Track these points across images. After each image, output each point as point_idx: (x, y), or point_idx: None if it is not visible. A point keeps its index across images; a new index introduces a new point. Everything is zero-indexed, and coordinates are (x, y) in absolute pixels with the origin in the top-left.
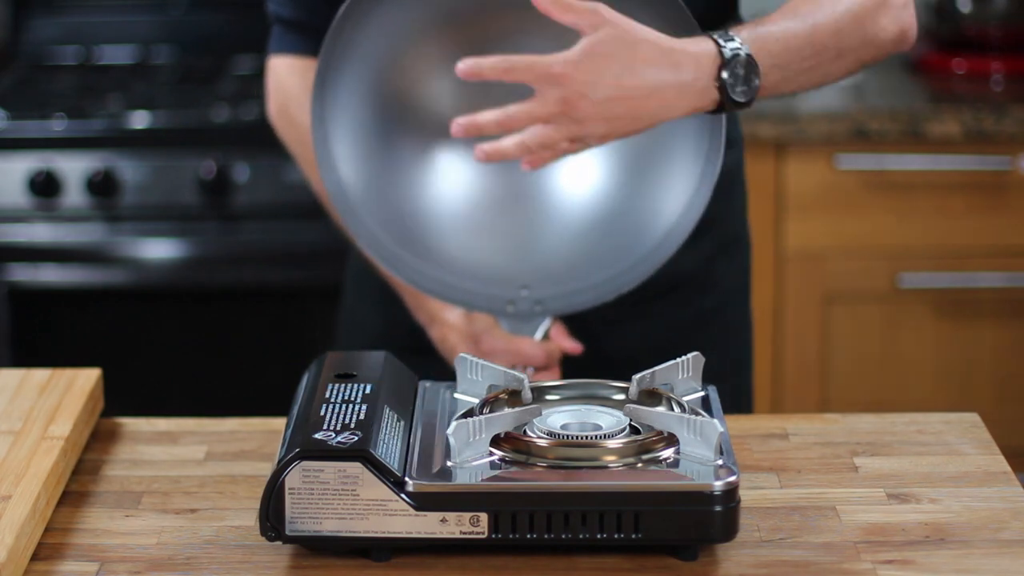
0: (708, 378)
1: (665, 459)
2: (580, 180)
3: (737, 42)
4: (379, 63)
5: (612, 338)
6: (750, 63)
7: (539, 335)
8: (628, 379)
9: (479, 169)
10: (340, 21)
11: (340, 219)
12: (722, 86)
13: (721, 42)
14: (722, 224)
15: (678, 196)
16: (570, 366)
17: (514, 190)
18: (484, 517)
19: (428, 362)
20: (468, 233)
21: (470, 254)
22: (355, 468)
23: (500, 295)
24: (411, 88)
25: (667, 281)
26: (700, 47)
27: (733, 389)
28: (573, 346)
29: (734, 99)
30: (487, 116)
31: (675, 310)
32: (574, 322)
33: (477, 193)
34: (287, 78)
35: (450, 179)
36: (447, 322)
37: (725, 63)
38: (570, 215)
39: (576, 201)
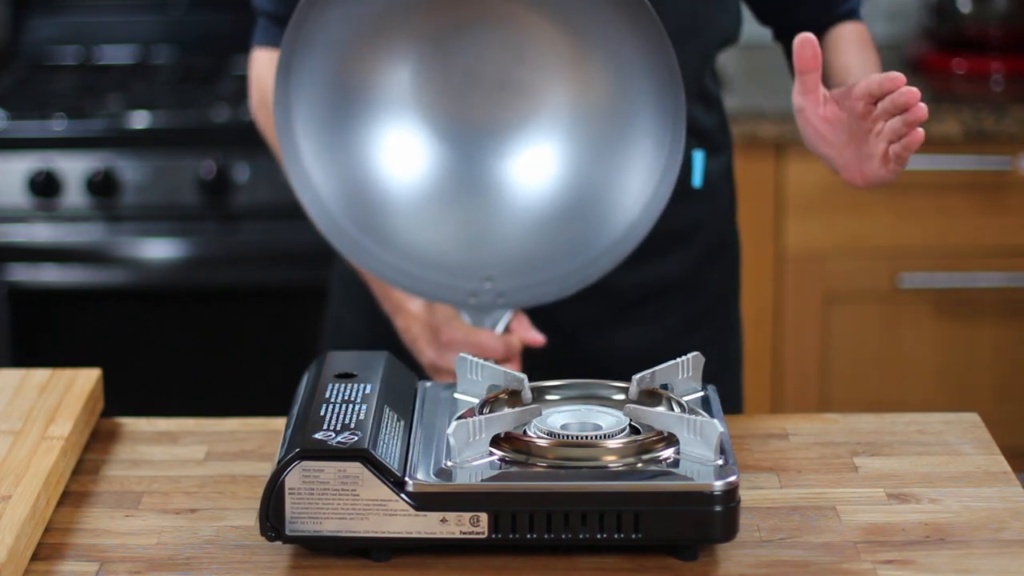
0: None
1: (665, 459)
2: (543, 172)
3: None
4: (341, 51)
5: (601, 343)
6: None
7: (500, 328)
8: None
9: (442, 158)
10: (303, 9)
11: (305, 207)
12: None
13: None
14: (710, 228)
15: (641, 188)
16: (559, 370)
17: (477, 180)
18: (484, 517)
19: (412, 366)
20: (430, 223)
21: (432, 244)
22: (355, 468)
23: (462, 286)
24: (373, 76)
25: (655, 285)
26: None
27: (723, 392)
28: (535, 338)
29: None
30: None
31: (663, 314)
32: (562, 326)
33: (440, 183)
34: (267, 70)
35: (412, 168)
36: (410, 312)
37: None
38: (533, 207)
39: (539, 193)
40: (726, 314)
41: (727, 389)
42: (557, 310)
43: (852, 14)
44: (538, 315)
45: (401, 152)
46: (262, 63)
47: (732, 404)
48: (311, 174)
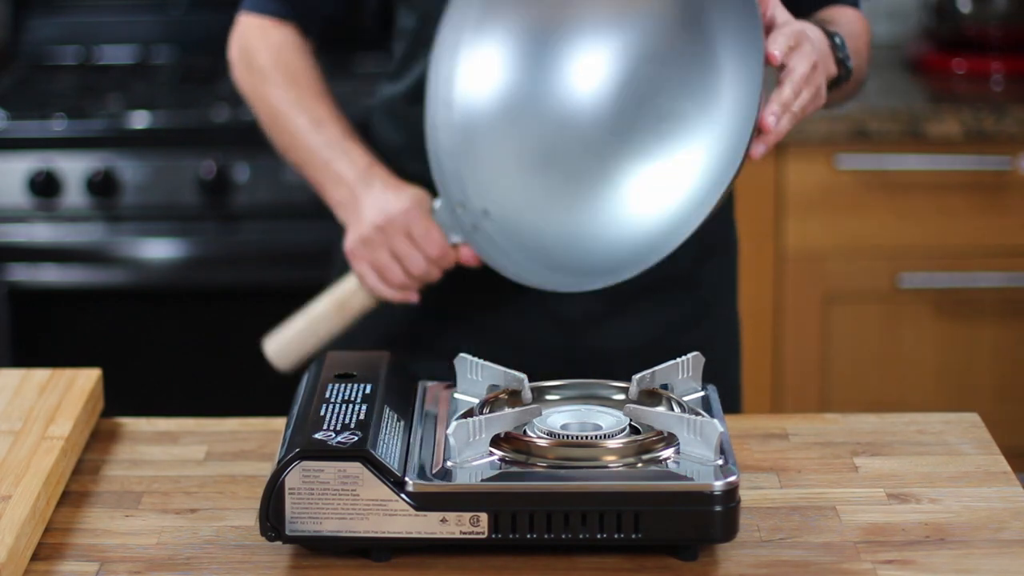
0: None
1: (665, 459)
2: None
3: (832, 27)
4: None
5: (599, 336)
6: (845, 44)
7: (451, 240)
8: (610, 376)
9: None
10: None
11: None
12: (839, 60)
13: (825, 27)
14: (707, 226)
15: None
16: (557, 364)
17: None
18: (484, 517)
19: (418, 361)
20: (500, 139)
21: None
22: (355, 468)
23: (460, 199)
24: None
25: (649, 282)
26: (817, 29)
27: (721, 389)
28: (469, 257)
29: (848, 66)
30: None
31: (657, 310)
32: (556, 318)
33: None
34: (250, 31)
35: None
36: (407, 190)
37: (835, 43)
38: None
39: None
40: (724, 311)
41: (725, 386)
42: (556, 303)
43: (852, 3)
44: (537, 307)
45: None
46: (246, 25)
47: (731, 401)
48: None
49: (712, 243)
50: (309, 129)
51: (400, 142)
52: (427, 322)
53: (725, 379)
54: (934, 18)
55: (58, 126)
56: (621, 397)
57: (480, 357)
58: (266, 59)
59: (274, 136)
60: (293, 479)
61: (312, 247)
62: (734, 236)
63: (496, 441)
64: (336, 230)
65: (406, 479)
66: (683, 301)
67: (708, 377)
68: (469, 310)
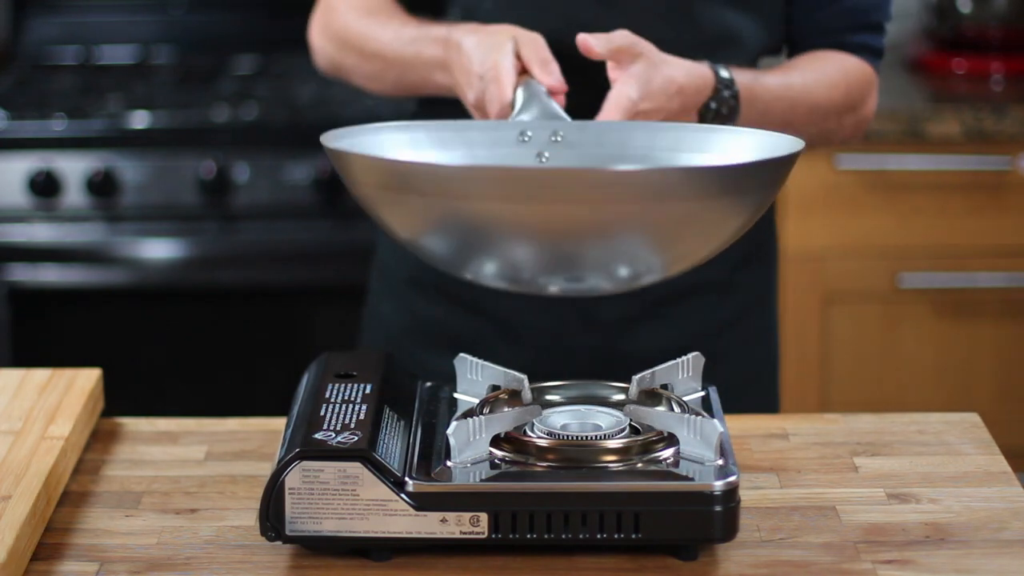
0: (729, 386)
1: (665, 459)
2: None
3: (732, 91)
4: None
5: (629, 339)
6: (734, 107)
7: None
8: None
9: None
10: None
11: None
12: (701, 115)
13: (721, 73)
14: (746, 234)
15: None
16: (587, 364)
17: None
18: (484, 517)
19: (447, 357)
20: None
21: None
22: (355, 468)
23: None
24: None
25: (685, 287)
26: (701, 77)
27: (755, 397)
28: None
29: (716, 109)
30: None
31: (694, 316)
32: (590, 322)
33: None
34: (346, 12)
35: None
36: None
37: (713, 97)
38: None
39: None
40: (762, 316)
41: (763, 391)
42: (591, 304)
43: (864, 50)
44: (572, 309)
45: None
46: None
47: (769, 407)
48: None
49: (751, 250)
50: (392, 39)
51: None
52: (461, 321)
53: (763, 383)
54: (934, 18)
55: (58, 126)
56: (621, 397)
57: (514, 358)
58: (345, 11)
59: (363, 66)
60: (293, 479)
61: (312, 247)
62: (774, 243)
63: (496, 441)
64: (348, 231)
65: (406, 479)
66: (719, 307)
67: (742, 384)
68: (503, 311)
